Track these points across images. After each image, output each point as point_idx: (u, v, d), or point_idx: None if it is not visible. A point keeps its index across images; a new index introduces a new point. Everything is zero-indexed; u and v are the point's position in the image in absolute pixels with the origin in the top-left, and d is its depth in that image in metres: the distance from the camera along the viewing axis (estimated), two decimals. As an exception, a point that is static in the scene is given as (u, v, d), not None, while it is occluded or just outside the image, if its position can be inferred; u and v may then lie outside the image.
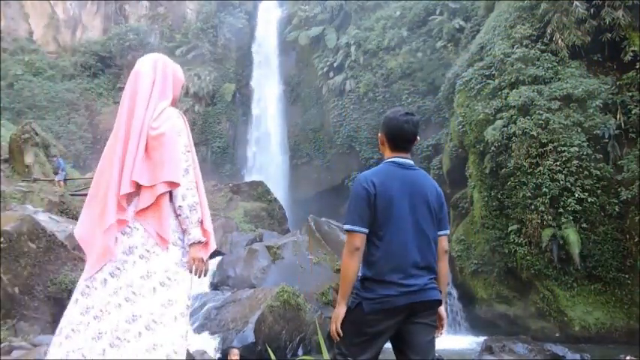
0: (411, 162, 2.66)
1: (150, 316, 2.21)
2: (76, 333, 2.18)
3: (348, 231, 2.52)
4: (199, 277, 2.38)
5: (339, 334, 2.48)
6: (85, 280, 2.28)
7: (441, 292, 2.59)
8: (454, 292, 15.22)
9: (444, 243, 2.68)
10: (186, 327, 2.33)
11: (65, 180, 18.66)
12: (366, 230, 2.49)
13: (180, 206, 2.33)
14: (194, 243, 2.33)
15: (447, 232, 2.71)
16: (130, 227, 2.29)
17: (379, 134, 2.76)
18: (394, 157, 2.65)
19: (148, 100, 2.42)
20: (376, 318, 2.41)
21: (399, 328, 2.48)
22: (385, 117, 2.74)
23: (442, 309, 2.65)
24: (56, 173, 17.77)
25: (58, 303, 10.06)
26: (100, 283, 2.24)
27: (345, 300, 2.53)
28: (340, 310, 2.51)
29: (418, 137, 2.72)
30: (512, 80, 14.91)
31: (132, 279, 2.24)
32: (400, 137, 2.64)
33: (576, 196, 13.04)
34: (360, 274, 2.58)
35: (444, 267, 2.67)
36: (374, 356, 2.49)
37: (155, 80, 2.48)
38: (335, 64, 25.74)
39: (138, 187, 2.32)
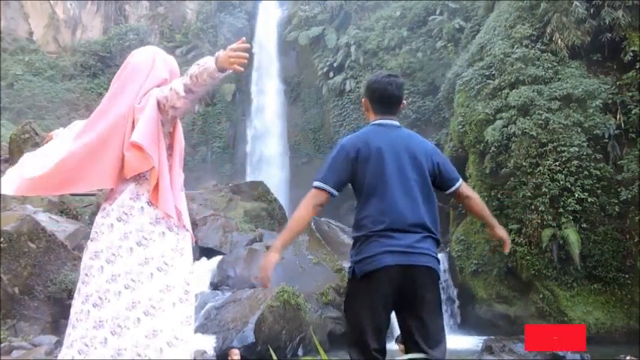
0: (397, 123, 2.53)
1: (148, 302, 2.21)
2: (80, 322, 2.19)
3: (316, 187, 2.39)
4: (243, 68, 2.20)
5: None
6: (83, 269, 2.29)
7: (439, 261, 2.46)
8: (454, 292, 15.23)
9: (463, 190, 2.63)
10: (187, 312, 2.31)
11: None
12: (335, 193, 2.38)
13: (167, 98, 2.30)
14: (210, 65, 2.21)
15: (460, 182, 2.61)
16: (126, 214, 2.28)
17: (363, 99, 2.63)
18: (378, 119, 2.54)
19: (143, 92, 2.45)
20: (369, 282, 2.30)
21: (400, 306, 2.36)
22: (368, 80, 2.61)
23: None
24: None
25: (58, 303, 10.06)
26: (97, 271, 2.23)
27: (281, 246, 2.39)
28: (272, 256, 2.38)
29: (404, 102, 2.60)
30: (512, 80, 14.90)
31: (130, 266, 2.22)
32: (384, 100, 2.52)
33: (576, 196, 13.03)
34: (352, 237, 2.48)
35: (476, 199, 2.72)
36: (381, 326, 2.35)
37: (151, 74, 2.50)
38: (335, 64, 25.70)
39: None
